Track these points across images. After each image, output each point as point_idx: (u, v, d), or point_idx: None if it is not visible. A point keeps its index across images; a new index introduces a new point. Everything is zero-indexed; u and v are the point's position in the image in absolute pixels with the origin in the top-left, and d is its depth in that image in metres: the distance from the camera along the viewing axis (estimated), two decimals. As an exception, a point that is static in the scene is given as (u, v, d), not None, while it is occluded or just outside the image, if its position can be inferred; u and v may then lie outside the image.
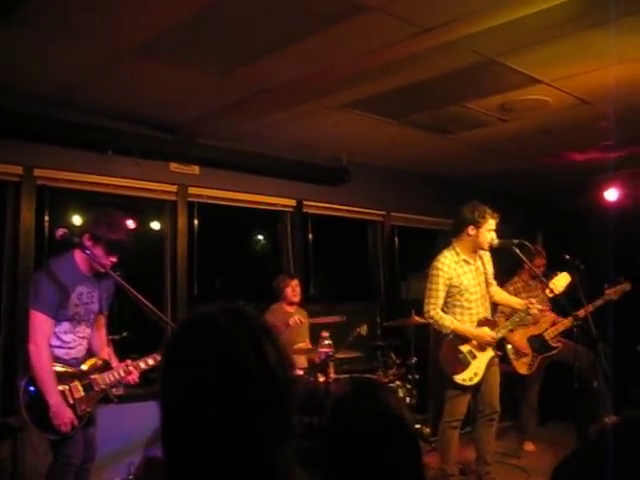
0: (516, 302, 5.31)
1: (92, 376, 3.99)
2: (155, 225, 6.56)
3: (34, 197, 5.25)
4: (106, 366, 4.08)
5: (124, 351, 4.61)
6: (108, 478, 5.11)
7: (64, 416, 3.75)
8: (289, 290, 6.00)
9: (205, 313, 1.20)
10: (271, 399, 1.12)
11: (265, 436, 1.10)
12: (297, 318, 5.66)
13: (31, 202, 5.23)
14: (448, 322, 4.89)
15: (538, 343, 6.27)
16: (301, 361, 5.77)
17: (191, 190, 6.19)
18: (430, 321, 4.98)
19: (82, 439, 3.99)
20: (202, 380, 1.09)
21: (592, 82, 4.90)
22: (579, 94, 5.20)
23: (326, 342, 4.96)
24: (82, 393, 3.91)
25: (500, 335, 5.05)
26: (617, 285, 6.00)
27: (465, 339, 4.92)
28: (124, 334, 5.62)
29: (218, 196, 6.40)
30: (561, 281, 5.01)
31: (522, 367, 6.20)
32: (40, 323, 3.79)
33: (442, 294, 4.93)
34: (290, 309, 6.02)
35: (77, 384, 3.90)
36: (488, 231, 4.90)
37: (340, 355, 5.11)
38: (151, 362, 4.06)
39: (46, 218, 5.33)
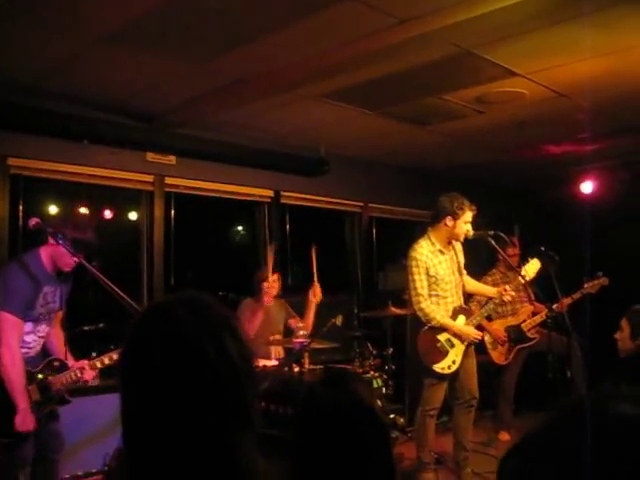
0: (489, 290, 5.42)
1: (49, 378, 3.93)
2: (132, 215, 6.51)
3: (7, 186, 5.18)
4: (62, 367, 4.01)
5: (100, 342, 4.59)
6: (84, 469, 5.10)
7: (30, 421, 3.69)
8: (266, 285, 5.81)
9: (164, 305, 1.19)
10: (232, 391, 1.11)
11: (226, 428, 1.11)
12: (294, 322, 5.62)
13: (4, 192, 5.16)
14: (439, 316, 4.93)
15: (515, 333, 6.33)
16: (278, 351, 5.75)
17: (168, 180, 6.15)
18: (419, 314, 4.98)
19: (44, 436, 3.97)
20: (161, 373, 1.08)
21: (568, 75, 4.92)
22: (555, 87, 5.23)
23: (301, 332, 4.96)
24: (38, 396, 3.85)
25: (476, 322, 5.10)
26: (595, 280, 6.06)
27: (441, 328, 4.95)
28: (100, 325, 5.59)
29: (195, 186, 6.37)
30: (532, 267, 5.15)
31: (499, 357, 6.26)
32: (11, 325, 3.71)
33: (425, 283, 4.97)
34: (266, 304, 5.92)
35: (34, 387, 3.83)
36: (465, 222, 4.94)
37: (316, 345, 5.11)
38: (107, 361, 4.00)
39: (20, 208, 5.27)
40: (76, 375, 3.97)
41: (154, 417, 1.08)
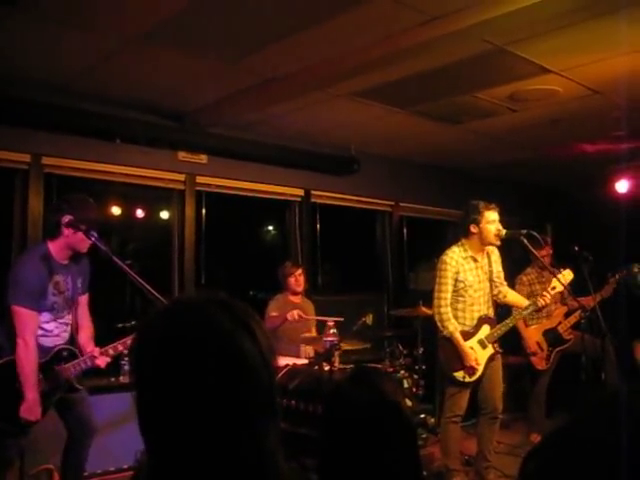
0: (525, 303, 5.27)
1: (57, 367, 3.96)
2: (163, 214, 6.56)
3: (42, 185, 5.26)
4: (71, 356, 4.05)
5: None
6: (116, 465, 5.14)
7: (36, 412, 3.74)
8: (292, 280, 5.93)
9: (192, 303, 1.18)
10: (264, 384, 1.11)
11: (257, 421, 1.10)
12: (295, 313, 5.61)
13: (39, 190, 5.24)
14: (452, 328, 4.85)
15: (553, 337, 6.26)
16: (308, 350, 5.75)
17: (199, 179, 6.19)
18: (436, 317, 4.93)
19: (72, 421, 4.04)
20: (198, 370, 1.07)
21: (603, 72, 4.85)
22: (590, 84, 5.15)
23: (331, 331, 4.95)
24: (45, 385, 3.88)
25: (500, 333, 4.99)
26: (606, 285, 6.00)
27: (466, 336, 4.89)
28: (133, 322, 5.64)
29: (226, 185, 6.40)
30: (566, 277, 5.02)
31: (539, 362, 6.20)
32: (25, 318, 3.77)
33: (450, 288, 4.90)
34: (295, 299, 5.98)
35: (41, 376, 3.86)
36: (490, 223, 4.86)
37: (347, 345, 5.10)
38: (120, 347, 4.05)
39: (54, 206, 5.34)
40: (86, 363, 4.03)
41: (185, 413, 1.07)
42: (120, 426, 5.08)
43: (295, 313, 5.60)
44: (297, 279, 5.94)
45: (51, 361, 3.96)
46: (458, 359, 4.86)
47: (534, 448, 0.90)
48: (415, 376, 5.76)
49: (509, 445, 6.00)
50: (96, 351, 4.05)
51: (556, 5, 3.55)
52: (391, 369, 5.57)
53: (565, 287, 4.99)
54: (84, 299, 4.26)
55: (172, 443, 1.07)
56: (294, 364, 5.01)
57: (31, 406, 3.72)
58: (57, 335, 4.00)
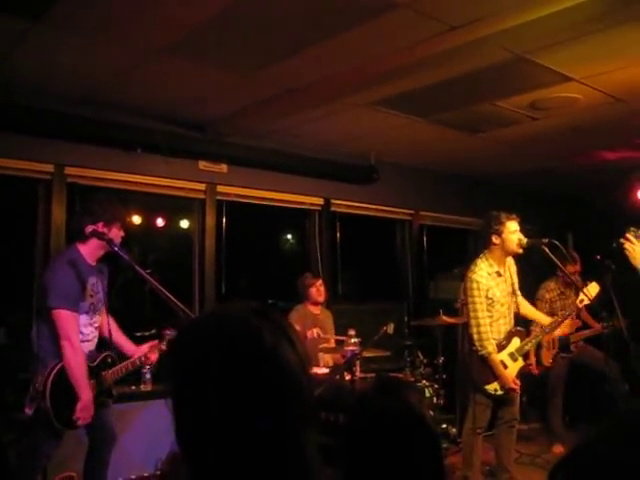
0: (541, 318, 5.27)
1: (102, 373, 4.03)
2: (184, 223, 6.60)
3: (65, 195, 5.32)
4: (114, 363, 4.13)
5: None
6: (137, 472, 5.16)
7: (90, 412, 3.80)
8: (313, 290, 5.95)
9: (234, 315, 1.18)
10: (305, 393, 1.12)
11: (299, 428, 1.11)
12: (315, 332, 5.63)
13: (62, 200, 5.29)
14: (491, 348, 4.81)
15: (562, 342, 6.21)
16: (327, 360, 5.76)
17: (219, 188, 6.22)
18: (475, 336, 4.86)
19: (96, 427, 4.08)
20: (243, 381, 1.08)
21: (625, 79, 4.82)
22: (611, 91, 5.12)
23: (352, 340, 4.95)
24: (93, 390, 3.94)
25: (530, 346, 5.01)
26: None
27: (497, 348, 4.86)
28: (153, 331, 5.67)
29: (246, 194, 6.42)
30: (591, 291, 4.96)
31: (547, 358, 6.13)
32: (68, 320, 3.81)
33: (485, 307, 4.86)
34: (314, 309, 6.00)
35: (93, 382, 3.94)
36: (511, 233, 4.84)
37: (367, 354, 5.09)
38: (164, 347, 4.12)
39: (77, 216, 5.39)
40: (135, 363, 4.11)
41: (228, 425, 1.07)
42: (142, 434, 5.10)
43: (315, 332, 5.62)
44: (318, 289, 5.97)
45: (99, 367, 4.03)
46: (492, 373, 4.84)
47: (561, 461, 0.89)
48: (436, 385, 5.74)
49: (530, 456, 5.96)
50: (149, 346, 4.17)
51: (576, 13, 3.52)
52: (412, 378, 5.56)
53: (591, 300, 4.94)
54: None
55: (213, 453, 1.07)
56: (315, 373, 5.02)
57: (87, 406, 3.79)
58: (90, 340, 4.06)
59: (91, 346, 4.06)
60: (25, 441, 3.93)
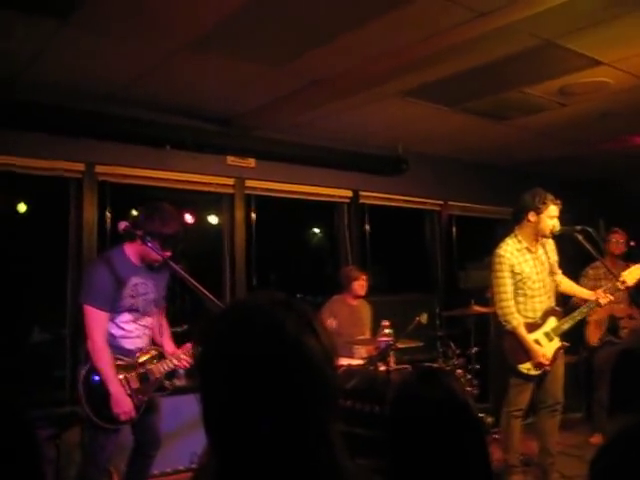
0: (583, 292, 5.11)
1: (148, 366, 4.05)
2: (213, 219, 6.63)
3: (96, 193, 5.38)
4: (161, 356, 4.14)
5: (183, 343, 4.68)
6: (172, 466, 5.21)
7: (125, 405, 3.82)
8: (357, 283, 5.94)
9: (259, 306, 1.18)
10: (329, 382, 1.12)
11: (322, 419, 1.11)
12: (331, 322, 5.63)
13: (93, 198, 5.36)
14: (515, 322, 4.75)
15: (612, 324, 6.08)
16: (361, 352, 5.76)
17: (248, 183, 6.24)
18: (499, 312, 4.82)
19: (141, 429, 4.11)
20: (266, 371, 1.08)
21: (657, 62, 4.75)
22: (642, 74, 5.05)
23: (386, 331, 4.94)
24: (138, 384, 3.97)
25: (567, 326, 4.89)
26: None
27: (532, 327, 4.81)
28: (185, 327, 5.71)
29: (274, 188, 6.44)
30: (634, 273, 4.83)
31: (594, 337, 6.02)
32: (94, 318, 3.84)
33: (510, 281, 4.79)
34: (354, 302, 5.99)
35: (133, 375, 3.96)
36: (550, 217, 4.77)
37: (400, 345, 5.08)
38: None
39: (107, 214, 5.45)
40: (173, 362, 4.10)
41: (253, 414, 1.08)
42: (177, 428, 5.14)
43: (331, 322, 5.63)
44: (362, 284, 5.96)
45: (142, 361, 4.05)
46: (524, 352, 4.77)
47: (602, 448, 0.88)
48: (469, 375, 5.71)
49: (568, 445, 5.89)
50: (180, 352, 4.14)
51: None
52: (446, 369, 5.54)
53: (633, 284, 4.84)
54: (162, 307, 4.33)
55: (240, 444, 1.08)
56: (349, 364, 5.02)
57: (118, 399, 3.80)
58: (138, 337, 4.06)
59: (138, 343, 4.06)
60: (85, 438, 3.99)
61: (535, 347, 4.76)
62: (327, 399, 1.12)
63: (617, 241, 6.19)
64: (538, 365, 4.77)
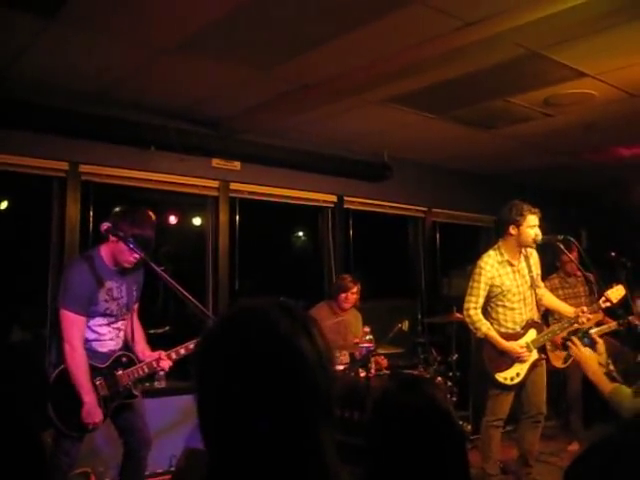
0: (566, 309, 5.13)
1: (117, 372, 3.98)
2: (197, 221, 6.61)
3: (79, 192, 5.34)
4: (130, 362, 4.06)
5: (166, 346, 4.66)
6: (150, 470, 5.18)
7: (96, 415, 3.76)
8: (344, 296, 5.79)
9: (255, 308, 1.19)
10: (323, 386, 1.13)
11: (315, 423, 1.11)
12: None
13: (76, 197, 5.32)
14: (485, 328, 4.81)
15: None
16: (342, 358, 5.74)
17: (232, 185, 6.22)
18: (467, 320, 4.90)
19: (128, 431, 4.06)
20: (261, 373, 1.09)
21: (640, 74, 4.79)
22: (627, 87, 5.09)
23: (367, 337, 4.94)
24: (106, 390, 3.91)
25: (546, 339, 4.95)
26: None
27: (512, 337, 4.84)
28: (166, 328, 5.69)
29: (259, 192, 6.43)
30: (616, 293, 4.85)
31: (557, 360, 6.08)
32: (71, 322, 3.78)
33: (483, 293, 4.86)
34: (340, 311, 5.86)
35: (102, 381, 3.90)
36: (530, 227, 4.81)
37: (381, 351, 5.09)
38: (183, 352, 4.04)
39: (91, 213, 5.42)
40: (151, 366, 4.04)
41: (247, 416, 1.08)
42: (156, 431, 5.11)
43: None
44: (349, 297, 5.78)
45: (111, 367, 3.98)
46: (502, 359, 4.81)
47: (578, 457, 0.89)
48: (449, 383, 5.73)
49: (544, 453, 5.93)
50: (162, 354, 4.07)
51: (591, 9, 3.50)
52: (426, 375, 5.55)
53: (614, 305, 4.86)
54: (135, 309, 4.27)
55: (234, 443, 1.09)
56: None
57: (90, 409, 3.75)
58: (111, 339, 4.00)
59: (111, 346, 4.01)
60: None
61: (508, 344, 4.80)
62: (319, 402, 1.13)
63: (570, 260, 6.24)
64: (519, 359, 4.80)
